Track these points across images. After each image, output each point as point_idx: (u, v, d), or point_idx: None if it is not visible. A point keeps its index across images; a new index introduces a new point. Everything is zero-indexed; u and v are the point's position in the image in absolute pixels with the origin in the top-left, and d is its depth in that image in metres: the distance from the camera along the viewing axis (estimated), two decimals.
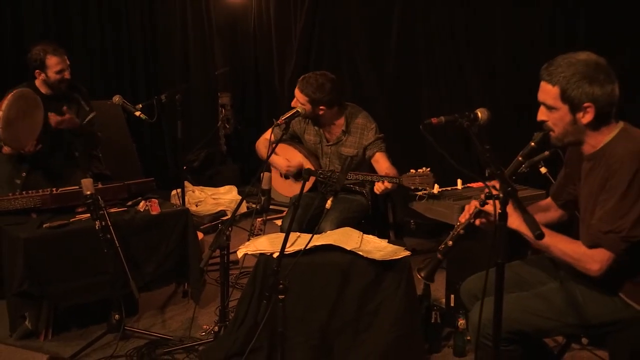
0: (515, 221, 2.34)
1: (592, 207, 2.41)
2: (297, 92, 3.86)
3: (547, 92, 2.38)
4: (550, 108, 2.39)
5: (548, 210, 2.81)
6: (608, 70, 2.33)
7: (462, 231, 2.50)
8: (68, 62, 4.30)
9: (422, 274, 2.52)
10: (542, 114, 2.44)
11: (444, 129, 2.53)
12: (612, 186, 2.29)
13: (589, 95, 2.30)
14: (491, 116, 2.52)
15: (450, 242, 2.50)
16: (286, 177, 4.22)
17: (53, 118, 4.22)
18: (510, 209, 2.19)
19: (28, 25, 6.07)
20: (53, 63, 4.20)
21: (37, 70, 4.22)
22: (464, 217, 2.56)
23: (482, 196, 2.45)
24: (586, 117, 2.34)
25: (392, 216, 4.28)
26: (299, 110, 3.67)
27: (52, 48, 4.22)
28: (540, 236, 2.09)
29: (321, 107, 3.85)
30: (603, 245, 2.28)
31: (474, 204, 2.52)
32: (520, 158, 2.45)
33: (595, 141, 2.41)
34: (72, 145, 4.46)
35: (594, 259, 2.30)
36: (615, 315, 2.41)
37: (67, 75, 4.27)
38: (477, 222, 2.50)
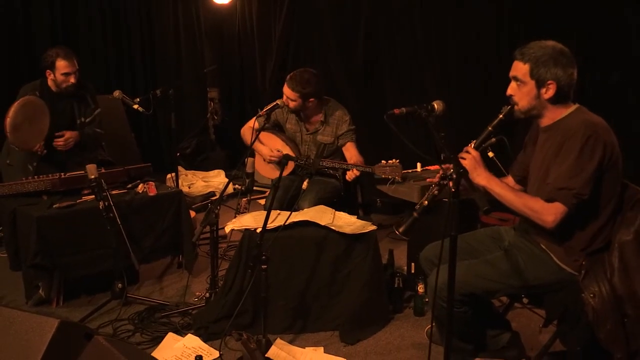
0: (482, 180, 2.40)
1: (543, 172, 2.46)
2: (287, 90, 3.82)
3: (519, 69, 2.43)
4: (519, 82, 2.44)
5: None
6: (570, 57, 2.40)
7: (436, 192, 2.42)
8: (77, 67, 4.15)
9: (400, 230, 2.36)
10: (511, 89, 2.49)
11: (405, 118, 2.53)
12: (566, 149, 2.34)
13: (552, 74, 2.37)
14: (446, 107, 2.53)
15: (426, 202, 2.40)
16: (270, 162, 4.20)
17: (59, 144, 4.15)
18: (478, 170, 2.37)
19: (36, 28, 5.93)
20: (61, 66, 4.07)
21: (48, 70, 4.12)
22: (436, 179, 2.49)
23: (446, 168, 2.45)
24: (548, 93, 2.40)
25: (360, 196, 4.29)
26: (278, 103, 3.66)
27: (64, 53, 4.09)
28: (488, 211, 2.15)
29: (311, 100, 3.85)
30: (557, 199, 2.32)
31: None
32: (490, 128, 2.49)
33: (553, 115, 2.47)
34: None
35: (549, 212, 2.33)
36: (551, 277, 2.46)
37: (72, 79, 4.13)
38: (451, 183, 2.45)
